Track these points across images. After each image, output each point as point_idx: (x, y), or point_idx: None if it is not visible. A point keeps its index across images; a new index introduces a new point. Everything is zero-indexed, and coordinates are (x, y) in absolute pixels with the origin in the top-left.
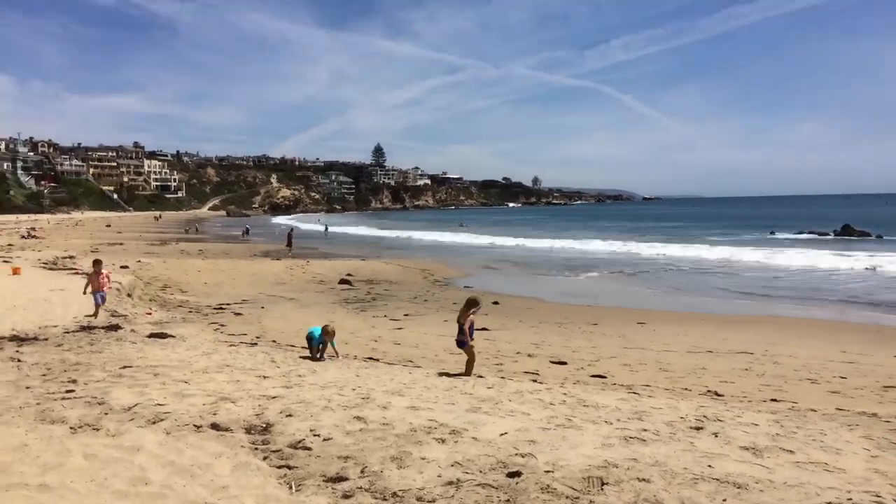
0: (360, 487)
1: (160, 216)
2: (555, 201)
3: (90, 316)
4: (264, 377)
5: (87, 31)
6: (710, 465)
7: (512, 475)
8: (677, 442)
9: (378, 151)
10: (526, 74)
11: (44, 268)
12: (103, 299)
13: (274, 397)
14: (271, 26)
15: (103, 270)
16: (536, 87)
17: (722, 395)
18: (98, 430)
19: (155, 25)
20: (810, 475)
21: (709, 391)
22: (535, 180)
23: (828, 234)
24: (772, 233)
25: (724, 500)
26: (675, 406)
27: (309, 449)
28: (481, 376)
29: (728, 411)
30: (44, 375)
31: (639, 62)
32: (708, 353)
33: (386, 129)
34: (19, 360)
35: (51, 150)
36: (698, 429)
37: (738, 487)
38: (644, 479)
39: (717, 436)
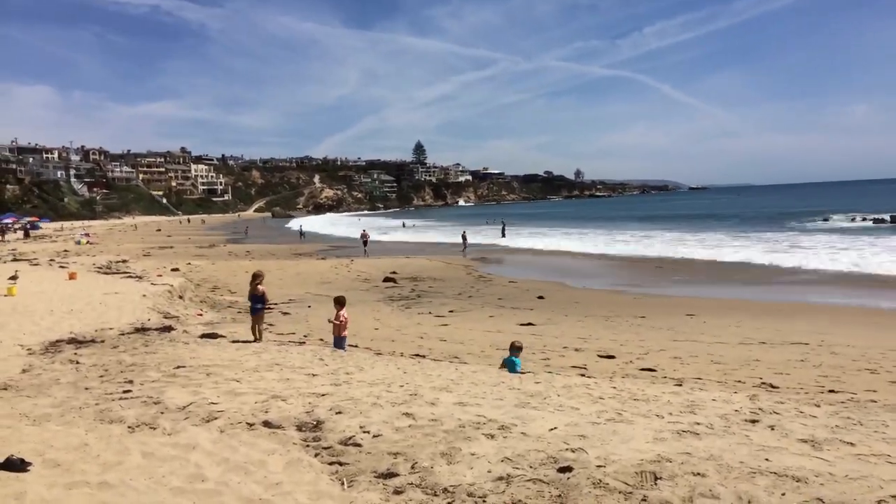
0: (411, 483)
1: (189, 220)
2: (598, 194)
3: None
4: (313, 375)
5: (122, 40)
6: (767, 459)
7: (563, 470)
8: (732, 435)
9: (419, 149)
10: (559, 66)
11: (98, 272)
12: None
13: (323, 395)
14: (299, 28)
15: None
16: (571, 79)
17: (777, 387)
18: (155, 428)
19: (186, 32)
20: (873, 468)
21: (763, 383)
22: (578, 173)
23: (884, 221)
24: (825, 219)
25: (783, 495)
26: (728, 399)
27: (359, 445)
28: (528, 371)
29: (784, 403)
30: (101, 376)
31: (674, 49)
32: (761, 345)
33: (421, 127)
34: (78, 363)
35: (101, 157)
36: (754, 422)
37: (798, 481)
38: (699, 474)
39: (773, 429)
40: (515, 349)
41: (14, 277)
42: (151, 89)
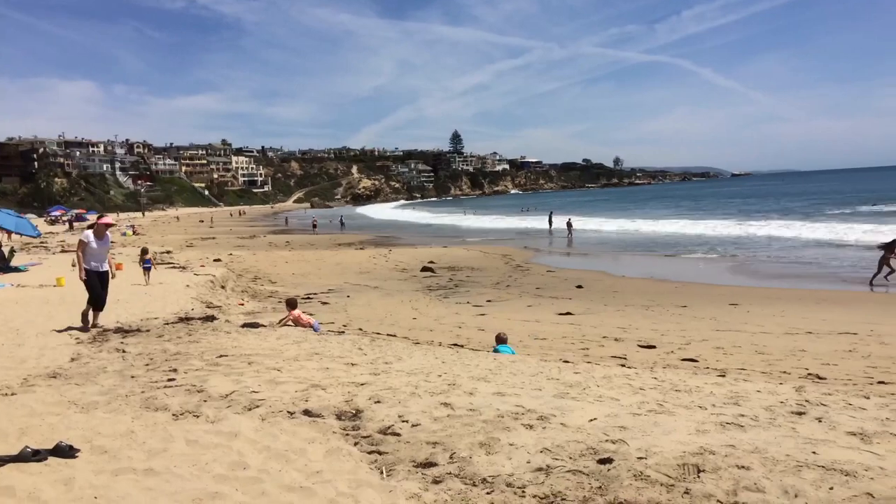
0: (450, 473)
1: (241, 212)
2: (637, 181)
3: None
4: (352, 364)
5: (161, 34)
6: (814, 452)
7: (603, 462)
8: (778, 428)
9: (456, 138)
10: (595, 52)
11: None
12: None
13: (362, 384)
14: (333, 20)
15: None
16: (608, 66)
17: (824, 378)
18: (198, 416)
19: (223, 26)
20: None
21: (809, 374)
22: (617, 161)
23: None
24: (874, 205)
25: (831, 489)
26: (773, 390)
27: (398, 435)
28: (567, 361)
29: (832, 395)
30: (147, 365)
31: (714, 33)
32: (807, 335)
33: (457, 116)
34: (124, 351)
35: (145, 150)
36: (800, 413)
37: (846, 475)
38: (743, 467)
39: (820, 421)
40: (501, 340)
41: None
42: (190, 83)
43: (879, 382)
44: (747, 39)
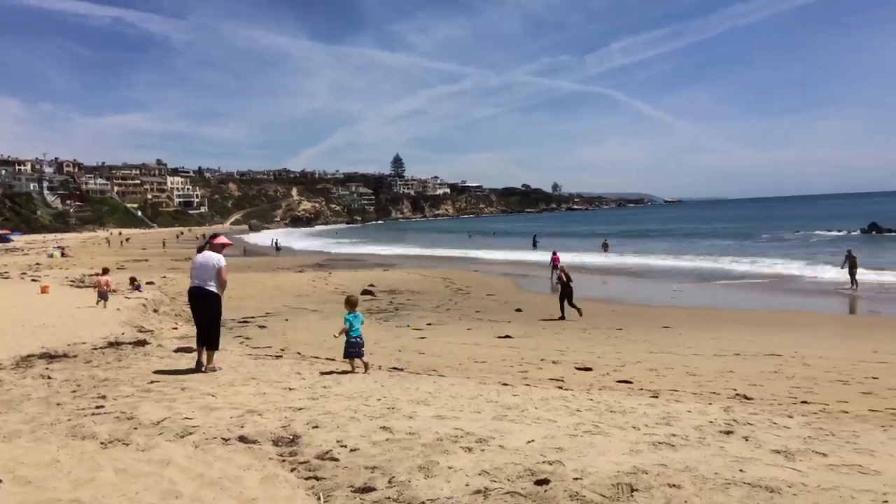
0: (388, 498)
1: (182, 232)
2: (575, 207)
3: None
4: (290, 389)
5: (86, 52)
6: (741, 470)
7: (540, 483)
8: (707, 447)
9: (397, 162)
10: (529, 81)
11: (71, 286)
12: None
13: (300, 409)
14: (265, 42)
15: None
16: (542, 94)
17: (751, 399)
18: (128, 444)
19: (151, 44)
20: (845, 478)
21: (737, 395)
22: (555, 186)
23: (854, 232)
24: (797, 231)
25: None
26: (703, 410)
27: (336, 460)
28: (506, 384)
29: (758, 415)
30: (74, 392)
31: (642, 65)
32: (735, 356)
33: (394, 140)
34: (49, 378)
35: (76, 169)
36: (728, 433)
37: (771, 492)
38: (674, 485)
39: (747, 440)
40: (350, 304)
41: None
42: (119, 101)
43: (802, 402)
44: (673, 72)
